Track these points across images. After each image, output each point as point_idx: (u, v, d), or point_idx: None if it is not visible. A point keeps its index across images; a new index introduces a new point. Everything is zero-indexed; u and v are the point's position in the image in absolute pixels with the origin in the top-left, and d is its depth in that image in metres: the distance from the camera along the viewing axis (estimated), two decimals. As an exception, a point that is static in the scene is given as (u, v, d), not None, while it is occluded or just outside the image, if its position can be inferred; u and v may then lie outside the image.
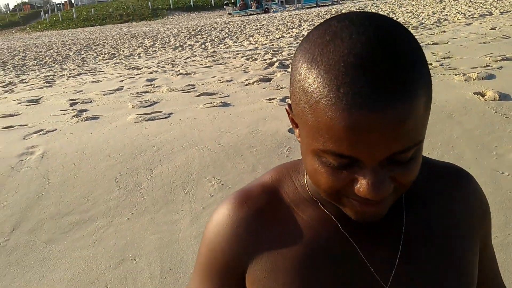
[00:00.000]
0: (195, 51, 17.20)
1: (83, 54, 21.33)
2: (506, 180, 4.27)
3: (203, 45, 19.28)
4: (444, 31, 14.88)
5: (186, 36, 25.43)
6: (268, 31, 23.18)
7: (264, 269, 0.73)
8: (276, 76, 9.58)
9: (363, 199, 0.63)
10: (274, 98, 7.55)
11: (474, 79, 7.35)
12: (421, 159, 0.64)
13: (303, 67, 0.60)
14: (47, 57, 21.37)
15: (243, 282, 0.77)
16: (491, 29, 13.73)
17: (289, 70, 10.15)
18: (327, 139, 0.58)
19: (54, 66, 17.35)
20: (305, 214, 0.76)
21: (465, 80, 7.36)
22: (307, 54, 0.60)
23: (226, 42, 19.81)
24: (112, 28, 44.39)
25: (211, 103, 7.63)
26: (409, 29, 16.36)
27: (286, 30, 22.06)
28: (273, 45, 16.16)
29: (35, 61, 19.95)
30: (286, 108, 0.71)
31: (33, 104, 9.10)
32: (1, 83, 13.33)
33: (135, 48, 21.51)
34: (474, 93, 6.51)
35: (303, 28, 21.96)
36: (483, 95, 6.41)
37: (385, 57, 0.55)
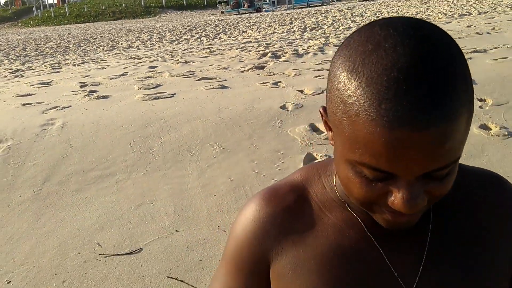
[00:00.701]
0: (191, 44, 17.79)
1: (82, 46, 21.80)
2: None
3: (199, 39, 19.86)
4: (425, 29, 15.66)
5: (181, 31, 25.99)
6: (260, 27, 23.82)
7: (288, 266, 0.73)
8: (269, 64, 10.23)
9: (396, 211, 0.62)
10: (268, 82, 8.20)
11: (446, 68, 8.05)
12: (456, 172, 0.62)
13: (343, 76, 0.57)
14: (47, 49, 21.81)
15: (267, 277, 0.77)
16: (467, 26, 14.52)
17: (281, 60, 10.81)
18: (364, 152, 0.56)
19: (57, 56, 17.84)
20: (332, 215, 0.75)
21: (438, 68, 8.07)
22: (347, 62, 0.58)
23: (221, 36, 20.41)
24: (106, 24, 44.65)
25: (210, 86, 8.26)
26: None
27: (278, 27, 22.70)
28: (265, 39, 16.79)
29: (37, 52, 20.39)
30: (320, 111, 0.69)
31: (45, 86, 9.69)
32: (9, 70, 13.85)
33: (133, 41, 22.03)
34: (444, 79, 7.22)
35: (294, 25, 22.59)
36: (452, 80, 7.12)
37: (429, 73, 0.53)
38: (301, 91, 7.38)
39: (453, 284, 0.69)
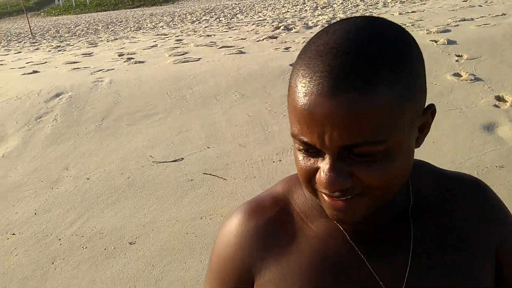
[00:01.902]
0: (211, 23, 18.76)
1: (110, 28, 22.89)
2: (435, 88, 5.94)
3: (218, 19, 20.82)
4: (424, 3, 16.48)
5: (201, 14, 26.95)
6: (275, 8, 24.67)
7: (272, 281, 0.69)
8: (282, 35, 11.19)
9: (327, 192, 0.59)
10: (279, 48, 9.18)
11: (433, 32, 8.94)
12: (396, 166, 0.57)
13: (294, 66, 0.59)
14: (78, 31, 22.96)
15: None
16: (463, 1, 15.28)
17: (292, 31, 11.78)
18: (295, 123, 0.57)
19: (89, 36, 18.97)
20: (314, 225, 0.71)
21: (427, 33, 8.96)
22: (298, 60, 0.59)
23: (238, 16, 21.33)
24: (126, 11, 45.67)
25: (230, 52, 9.27)
26: (396, 3, 17.85)
27: (292, 7, 23.54)
28: (279, 17, 17.70)
29: (70, 34, 21.54)
30: None
31: (88, 56, 10.81)
32: (51, 46, 15.02)
33: (157, 22, 23.07)
34: (430, 40, 8.13)
35: (306, 5, 23.42)
36: (436, 41, 8.03)
37: (351, 49, 0.53)
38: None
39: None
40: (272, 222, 0.73)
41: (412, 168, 0.72)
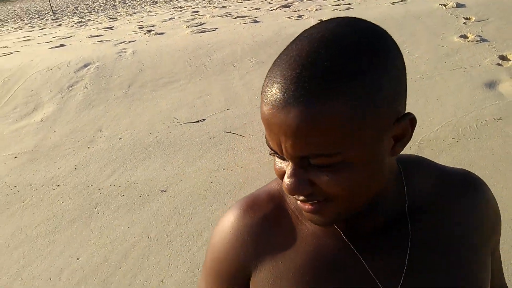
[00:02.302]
0: (226, -5, 18.92)
1: (127, 3, 23.12)
2: (442, 49, 6.16)
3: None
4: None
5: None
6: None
7: (267, 278, 0.68)
8: (295, 4, 11.37)
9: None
10: (292, 16, 9.40)
11: (443, -3, 9.07)
12: (357, 177, 0.56)
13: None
14: (96, 7, 23.22)
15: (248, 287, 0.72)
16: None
17: (305, 0, 11.94)
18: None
19: (108, 11, 19.26)
20: (308, 223, 0.69)
21: (437, -2, 9.11)
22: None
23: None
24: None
25: (245, 21, 9.52)
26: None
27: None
28: (292, -14, 17.76)
29: (88, 10, 21.84)
30: None
31: (109, 30, 11.16)
32: (72, 22, 15.39)
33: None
34: (439, 4, 8.27)
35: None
36: (445, 5, 8.17)
37: (307, 60, 0.51)
38: (321, 20, 8.57)
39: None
40: (267, 219, 0.71)
41: (408, 166, 0.72)
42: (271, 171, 3.87)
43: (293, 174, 0.56)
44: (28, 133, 5.39)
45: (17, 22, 19.20)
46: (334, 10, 9.50)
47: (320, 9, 9.95)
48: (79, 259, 3.04)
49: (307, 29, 0.57)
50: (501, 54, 5.81)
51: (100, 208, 3.65)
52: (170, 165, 4.19)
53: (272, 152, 0.59)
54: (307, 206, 0.60)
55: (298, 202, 0.61)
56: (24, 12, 26.57)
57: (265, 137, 0.58)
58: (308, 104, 0.51)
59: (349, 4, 9.98)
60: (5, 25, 18.87)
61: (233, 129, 4.79)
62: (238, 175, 3.88)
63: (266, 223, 0.71)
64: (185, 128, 4.96)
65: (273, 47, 7.17)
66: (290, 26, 8.33)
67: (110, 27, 11.61)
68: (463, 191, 0.72)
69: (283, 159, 0.58)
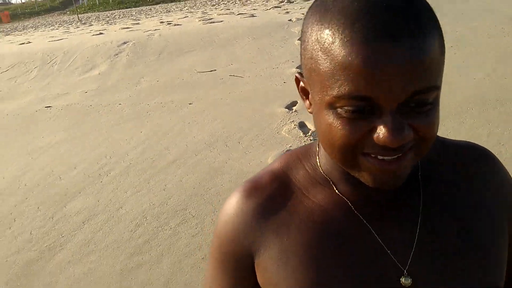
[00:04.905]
0: (228, 5, 20.72)
1: (143, 14, 24.90)
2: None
3: (234, 2, 22.73)
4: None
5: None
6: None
7: (273, 257, 0.61)
8: (285, 6, 13.13)
9: (382, 151, 0.49)
10: (282, 12, 11.14)
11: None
12: (438, 114, 0.52)
13: (315, 23, 0.49)
14: (116, 17, 24.99)
15: (253, 271, 0.65)
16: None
17: (294, 3, 13.69)
18: (343, 81, 0.46)
19: (129, 18, 21.01)
20: (316, 198, 0.62)
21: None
22: (317, 13, 0.50)
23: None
24: (147, 8, 47.88)
25: (245, 16, 11.26)
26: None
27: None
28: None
29: (109, 18, 23.58)
30: (296, 76, 0.59)
31: (136, 25, 12.90)
32: (101, 24, 17.13)
33: (182, 7, 25.06)
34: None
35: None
36: None
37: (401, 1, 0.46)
38: (303, 14, 10.30)
39: (449, 258, 0.58)
40: (271, 199, 0.63)
41: None
42: (262, 86, 5.53)
43: (397, 121, 0.47)
44: (91, 80, 7.09)
45: (52, 27, 20.92)
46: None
47: (304, 7, 11.70)
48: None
49: None
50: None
51: (151, 113, 5.33)
52: (194, 95, 5.87)
53: (354, 109, 0.47)
54: (389, 164, 0.50)
55: (374, 164, 0.50)
56: (55, 21, 28.31)
57: (342, 94, 0.46)
58: (425, 32, 0.46)
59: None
60: (43, 28, 20.60)
61: (235, 73, 6.48)
62: (240, 96, 5.56)
63: (270, 203, 0.63)
64: (202, 75, 6.65)
65: (266, 29, 8.89)
66: (279, 17, 10.06)
67: (137, 23, 13.35)
68: (473, 162, 0.65)
69: (366, 115, 0.48)
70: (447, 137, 0.69)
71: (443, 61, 0.50)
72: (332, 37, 0.46)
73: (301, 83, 0.57)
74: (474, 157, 0.66)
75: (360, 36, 0.45)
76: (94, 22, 19.97)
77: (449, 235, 0.59)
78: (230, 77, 6.32)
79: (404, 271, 0.57)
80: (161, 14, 20.14)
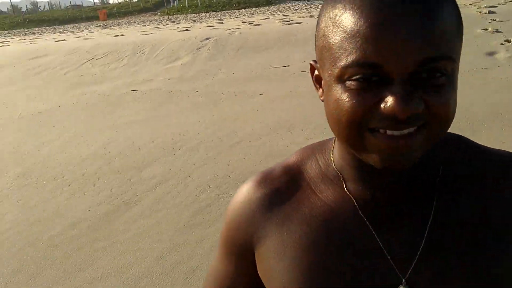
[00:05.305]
0: (295, 11, 20.96)
1: (227, 15, 25.78)
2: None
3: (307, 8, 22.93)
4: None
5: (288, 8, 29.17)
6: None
7: (271, 249, 0.60)
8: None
9: (390, 124, 0.45)
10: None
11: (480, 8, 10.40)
12: (455, 94, 0.47)
13: (329, 4, 0.48)
14: (203, 18, 26.09)
15: (254, 263, 0.64)
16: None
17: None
18: (351, 49, 0.44)
19: (214, 18, 21.90)
20: (323, 195, 0.60)
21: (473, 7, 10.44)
22: (330, 1, 0.48)
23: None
24: (232, 11, 49.43)
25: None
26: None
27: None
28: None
29: (197, 18, 24.68)
30: (310, 63, 0.56)
31: (220, 23, 13.53)
32: (187, 23, 18.05)
33: (264, 11, 25.63)
34: (476, 12, 9.67)
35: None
36: (480, 12, 9.54)
37: None
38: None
39: (453, 272, 0.52)
40: (279, 192, 0.63)
41: (448, 138, 0.60)
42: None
43: (407, 91, 0.43)
44: (173, 70, 7.61)
45: (144, 24, 22.32)
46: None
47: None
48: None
49: None
50: (506, 39, 7.21)
51: (224, 101, 5.66)
52: (266, 86, 6.12)
53: (363, 77, 0.44)
54: (398, 142, 0.46)
55: (382, 140, 0.46)
56: (147, 20, 30.12)
57: (352, 61, 0.44)
58: (434, 2, 0.44)
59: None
60: (135, 24, 22.06)
61: (307, 70, 6.65)
62: (308, 90, 5.73)
63: (277, 195, 0.62)
64: (276, 70, 6.90)
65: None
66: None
67: (221, 22, 13.96)
68: (500, 171, 0.58)
69: (375, 85, 0.44)
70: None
71: (460, 40, 0.48)
72: (343, 9, 0.45)
73: (315, 72, 0.55)
74: (502, 167, 0.58)
75: (369, 2, 0.44)
76: (182, 21, 21.04)
77: (457, 248, 0.53)
78: (302, 73, 6.50)
79: (402, 280, 0.53)
80: (245, 16, 20.78)
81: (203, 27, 12.60)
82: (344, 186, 0.58)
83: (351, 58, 0.44)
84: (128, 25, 22.42)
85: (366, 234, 0.55)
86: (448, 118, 0.47)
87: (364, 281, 0.53)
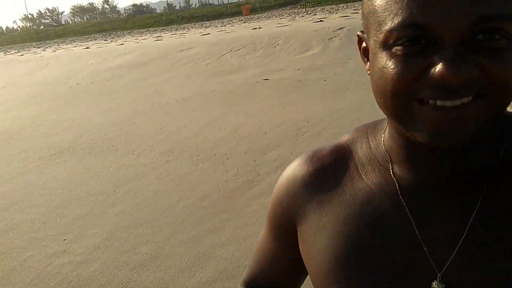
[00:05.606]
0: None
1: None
2: None
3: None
4: None
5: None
6: None
7: (312, 226, 0.58)
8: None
9: (440, 93, 0.40)
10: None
11: None
12: None
13: None
14: (340, 8, 25.72)
15: (297, 241, 0.62)
16: None
17: None
18: (397, 10, 0.40)
19: (351, 8, 21.51)
20: (367, 177, 0.56)
21: None
22: None
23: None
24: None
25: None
26: None
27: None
28: None
29: (332, 10, 24.40)
30: (358, 35, 0.52)
31: (355, 13, 13.31)
32: (325, 12, 18.05)
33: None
34: None
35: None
36: None
37: None
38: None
39: (493, 271, 0.46)
40: (324, 171, 0.59)
41: (506, 118, 0.50)
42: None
43: (459, 53, 0.38)
44: (304, 60, 7.78)
45: (281, 17, 22.90)
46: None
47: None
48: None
49: None
50: None
51: (351, 89, 5.62)
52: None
53: (410, 42, 0.40)
54: (448, 115, 0.40)
55: (428, 109, 0.41)
56: (286, 13, 30.84)
57: (397, 24, 0.40)
58: None
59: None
60: (273, 18, 22.75)
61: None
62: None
63: (321, 174, 0.59)
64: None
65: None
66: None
67: (356, 12, 13.70)
68: None
69: (423, 49, 0.40)
70: None
71: None
72: None
73: (363, 44, 0.50)
74: None
75: None
76: (319, 12, 21.15)
77: (499, 250, 0.46)
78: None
79: (438, 275, 0.48)
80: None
81: (337, 17, 12.53)
82: (391, 169, 0.53)
83: (396, 19, 0.40)
84: (267, 18, 23.26)
85: (404, 222, 0.51)
86: (509, 88, 0.40)
87: (398, 272, 0.49)
